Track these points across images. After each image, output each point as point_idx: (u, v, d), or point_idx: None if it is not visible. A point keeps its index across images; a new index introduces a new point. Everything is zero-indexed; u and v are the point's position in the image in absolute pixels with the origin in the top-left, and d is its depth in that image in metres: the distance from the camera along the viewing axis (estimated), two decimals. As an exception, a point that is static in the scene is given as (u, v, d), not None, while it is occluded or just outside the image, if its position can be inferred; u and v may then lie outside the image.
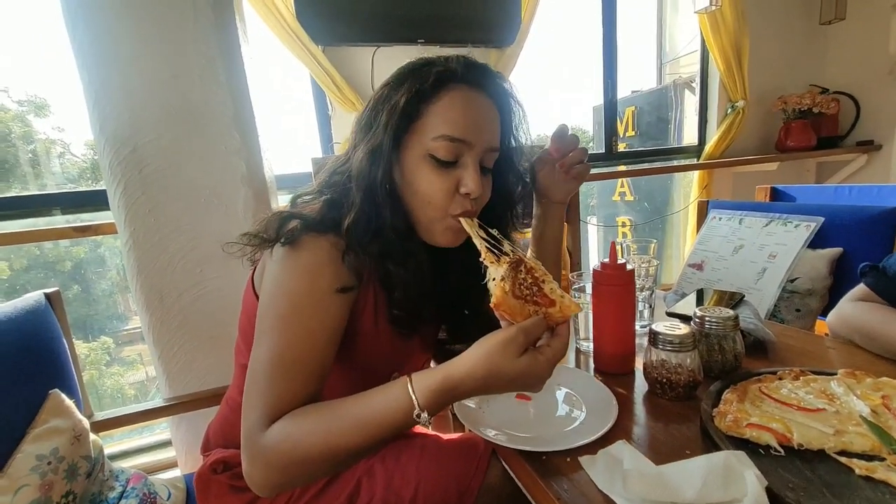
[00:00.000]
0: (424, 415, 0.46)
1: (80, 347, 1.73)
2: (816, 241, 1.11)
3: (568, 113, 3.00)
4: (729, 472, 0.40)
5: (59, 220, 1.40)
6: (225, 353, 1.15)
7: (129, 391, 1.85)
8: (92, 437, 0.82)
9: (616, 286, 0.66)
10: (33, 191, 1.50)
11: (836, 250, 1.11)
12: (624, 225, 2.92)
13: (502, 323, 0.50)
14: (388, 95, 0.57)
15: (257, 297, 0.61)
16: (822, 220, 1.05)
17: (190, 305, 1.14)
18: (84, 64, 1.02)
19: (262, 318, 0.54)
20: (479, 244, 0.54)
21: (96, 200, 1.36)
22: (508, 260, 0.49)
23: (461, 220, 0.58)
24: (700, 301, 0.91)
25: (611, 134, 2.34)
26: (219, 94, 1.11)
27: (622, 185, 2.93)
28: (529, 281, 0.49)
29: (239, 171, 1.14)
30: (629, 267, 0.67)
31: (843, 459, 0.44)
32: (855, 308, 0.74)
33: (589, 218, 2.97)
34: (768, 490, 0.39)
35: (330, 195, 0.59)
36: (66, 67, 1.05)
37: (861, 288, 0.77)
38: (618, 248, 0.68)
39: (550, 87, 2.87)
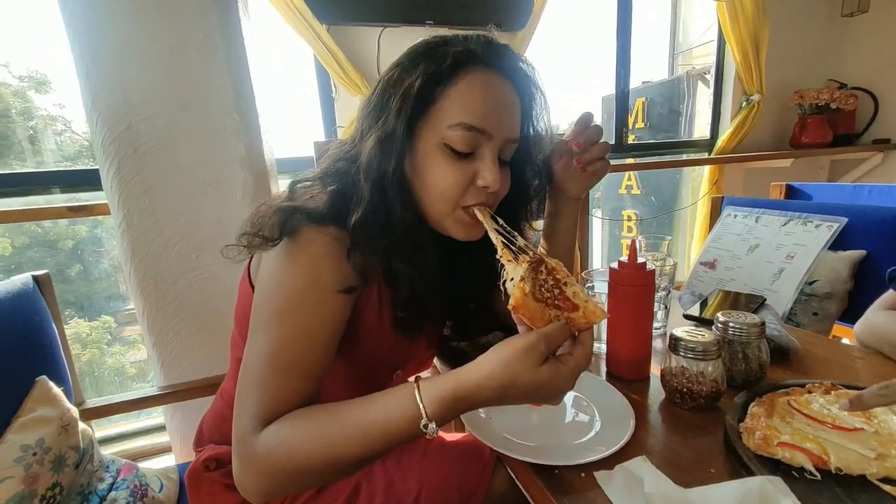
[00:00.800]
0: (432, 425, 0.42)
1: (82, 326, 1.74)
2: (837, 243, 1.07)
3: (577, 102, 2.93)
4: (765, 501, 0.37)
5: (59, 199, 1.37)
6: (221, 341, 1.12)
7: (129, 370, 1.85)
8: (81, 426, 0.79)
9: (635, 287, 0.62)
10: (32, 168, 1.47)
11: (859, 252, 1.07)
12: (630, 219, 2.87)
13: (520, 328, 0.46)
14: (400, 77, 0.52)
15: (251, 285, 0.58)
16: (846, 221, 1.01)
17: (185, 291, 1.10)
18: (75, 35, 0.96)
19: (257, 312, 0.50)
20: (496, 240, 0.50)
21: (94, 179, 1.31)
22: (528, 259, 0.45)
23: (476, 210, 0.54)
24: (705, 304, 0.87)
25: (621, 125, 2.28)
26: (218, 72, 1.06)
27: (629, 178, 2.87)
28: (550, 283, 0.45)
29: (238, 153, 1.09)
30: (649, 267, 0.63)
31: (887, 488, 0.40)
32: (885, 317, 0.70)
33: (593, 211, 2.91)
34: (808, 521, 0.36)
35: (335, 185, 0.54)
36: (65, 42, 0.99)
37: (890, 295, 0.73)
38: (630, 243, 0.64)
39: (561, 75, 2.79)
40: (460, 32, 0.54)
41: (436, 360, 0.81)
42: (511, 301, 0.43)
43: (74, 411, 0.78)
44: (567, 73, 2.83)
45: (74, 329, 1.73)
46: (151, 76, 1.00)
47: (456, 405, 0.43)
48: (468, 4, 1.67)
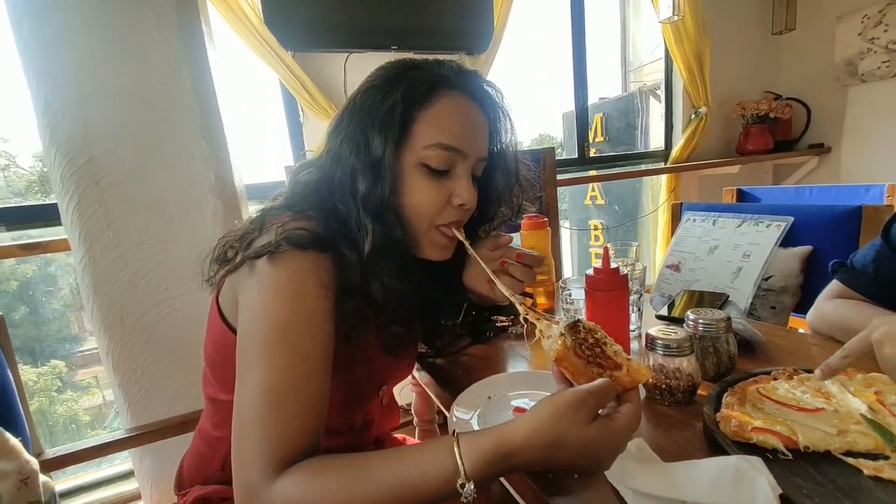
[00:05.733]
0: (469, 486, 0.38)
1: (28, 373, 1.61)
2: (786, 240, 1.15)
3: (539, 119, 3.05)
4: (740, 477, 0.39)
5: (4, 237, 1.28)
6: (194, 376, 1.07)
7: (83, 417, 1.73)
8: (42, 478, 0.73)
9: (610, 291, 0.65)
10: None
11: (806, 248, 1.16)
12: (596, 228, 2.97)
13: (558, 385, 0.46)
14: (376, 101, 0.54)
15: (224, 321, 0.55)
16: (793, 220, 1.09)
17: (153, 325, 1.05)
18: (32, 70, 0.93)
19: (243, 351, 0.47)
20: (513, 297, 0.53)
21: (46, 215, 1.26)
22: (565, 322, 0.46)
23: (455, 231, 0.57)
24: (673, 305, 0.91)
25: (582, 140, 2.39)
26: (184, 101, 1.05)
27: (593, 190, 2.99)
28: (591, 342, 0.45)
29: (207, 181, 1.07)
30: (622, 271, 0.66)
31: (850, 460, 0.44)
32: (833, 306, 0.75)
33: (562, 222, 3.00)
34: (785, 497, 0.38)
35: (309, 210, 0.53)
36: (12, 77, 0.96)
37: (834, 285, 0.79)
38: (598, 252, 0.67)
39: (523, 94, 2.90)
40: (430, 57, 0.58)
41: (416, 374, 0.81)
42: (553, 354, 0.44)
43: (34, 463, 0.73)
44: (530, 92, 2.95)
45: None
46: (114, 108, 0.98)
47: (498, 463, 0.40)
48: (431, 30, 1.72)
